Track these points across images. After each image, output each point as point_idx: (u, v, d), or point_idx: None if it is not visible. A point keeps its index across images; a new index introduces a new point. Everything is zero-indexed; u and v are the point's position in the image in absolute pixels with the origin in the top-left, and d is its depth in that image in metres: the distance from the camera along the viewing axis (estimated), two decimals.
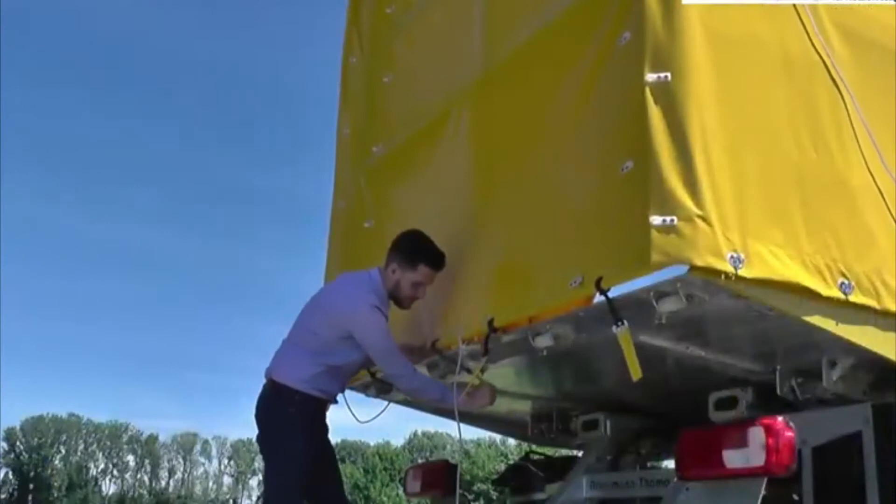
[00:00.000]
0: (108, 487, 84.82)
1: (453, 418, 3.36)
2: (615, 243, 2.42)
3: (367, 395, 3.98)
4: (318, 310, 3.64)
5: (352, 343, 3.53)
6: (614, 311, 2.42)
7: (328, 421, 3.77)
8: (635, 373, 2.45)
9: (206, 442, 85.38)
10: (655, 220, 2.24)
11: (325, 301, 3.65)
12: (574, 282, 2.53)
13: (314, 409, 3.59)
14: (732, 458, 2.57)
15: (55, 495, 78.29)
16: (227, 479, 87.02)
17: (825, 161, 2.58)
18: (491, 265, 3.11)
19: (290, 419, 3.52)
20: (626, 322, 2.42)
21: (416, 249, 3.55)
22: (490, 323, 2.94)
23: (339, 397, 3.79)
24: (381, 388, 3.90)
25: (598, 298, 2.54)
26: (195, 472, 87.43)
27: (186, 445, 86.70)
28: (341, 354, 3.56)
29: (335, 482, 3.82)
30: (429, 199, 3.68)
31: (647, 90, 2.34)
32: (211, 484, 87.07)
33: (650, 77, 2.34)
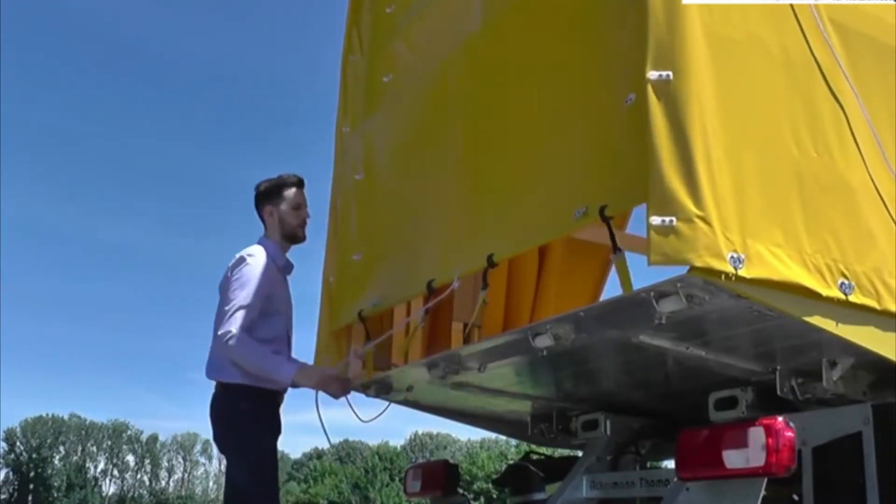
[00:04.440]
0: (108, 487, 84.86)
1: (447, 416, 3.38)
2: (618, 174, 2.47)
3: (368, 395, 3.97)
4: (220, 292, 3.64)
5: (264, 311, 3.55)
6: (614, 240, 2.48)
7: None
8: (627, 289, 2.51)
9: (206, 442, 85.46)
10: (654, 220, 2.24)
11: (221, 280, 3.66)
12: (578, 212, 2.56)
13: (266, 401, 3.58)
14: (732, 459, 2.57)
15: (55, 495, 78.30)
16: None
17: (825, 161, 2.57)
18: (490, 204, 3.12)
19: (245, 414, 3.52)
20: (623, 250, 2.51)
21: (272, 185, 3.78)
22: (490, 258, 2.94)
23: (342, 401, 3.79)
24: (382, 389, 3.91)
25: (601, 298, 2.55)
26: (195, 472, 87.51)
27: (186, 445, 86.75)
28: (262, 327, 3.54)
29: None
30: (423, 145, 3.68)
31: (649, 88, 2.33)
32: (211, 484, 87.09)
33: (652, 75, 2.34)
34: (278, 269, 3.72)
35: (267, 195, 3.79)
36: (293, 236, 3.79)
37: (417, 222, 3.57)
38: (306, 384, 3.58)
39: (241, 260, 3.59)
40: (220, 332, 3.46)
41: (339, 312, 4.02)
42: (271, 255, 3.70)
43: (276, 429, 3.65)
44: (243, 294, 3.50)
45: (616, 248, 2.49)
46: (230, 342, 3.44)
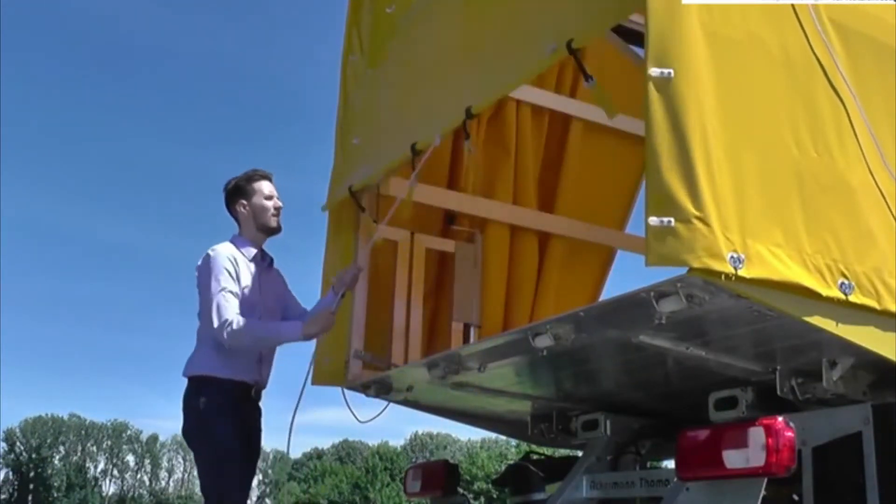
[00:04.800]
0: (108, 487, 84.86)
1: (447, 416, 3.38)
2: (586, 10, 2.65)
3: (367, 395, 3.98)
4: (198, 292, 3.65)
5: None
6: (583, 69, 2.63)
7: (260, 421, 3.72)
8: (610, 111, 2.69)
9: None
10: (653, 221, 2.24)
11: (196, 282, 3.68)
12: (549, 49, 2.70)
13: (232, 393, 3.54)
14: (732, 459, 2.57)
15: (55, 495, 78.31)
16: None
17: (825, 161, 2.57)
18: (466, 61, 3.28)
19: (208, 406, 3.49)
20: (594, 79, 2.66)
21: (240, 180, 3.78)
22: (468, 110, 3.04)
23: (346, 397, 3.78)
24: (381, 389, 3.91)
25: (601, 297, 2.55)
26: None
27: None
28: None
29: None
30: (413, 24, 3.86)
31: (650, 86, 2.33)
32: None
33: (654, 72, 2.33)
34: (248, 261, 3.72)
35: (237, 191, 3.79)
36: (268, 227, 3.78)
37: (405, 97, 3.69)
38: (317, 331, 3.58)
39: (206, 256, 3.63)
40: (216, 327, 3.46)
41: (335, 191, 4.13)
42: (240, 248, 3.72)
43: (242, 422, 3.59)
44: (219, 283, 3.52)
45: (588, 78, 2.64)
46: (230, 329, 3.44)
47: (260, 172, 3.82)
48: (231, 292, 3.53)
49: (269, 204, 3.78)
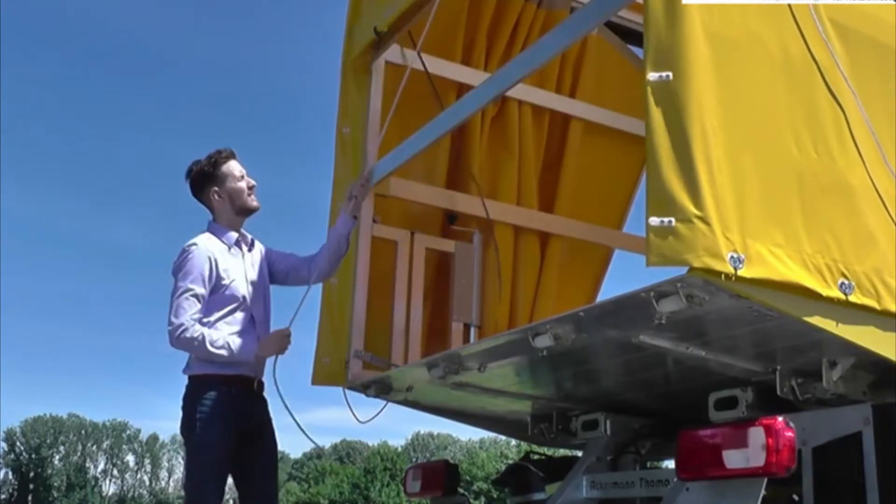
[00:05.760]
0: (108, 487, 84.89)
1: (447, 416, 3.37)
2: None
3: (367, 395, 3.98)
4: None
5: (215, 289, 3.49)
6: None
7: (268, 412, 3.66)
8: None
9: None
10: (653, 221, 2.25)
11: None
12: None
13: (231, 390, 3.47)
14: (732, 459, 2.56)
15: (55, 495, 78.35)
16: None
17: (826, 161, 2.57)
18: None
19: (204, 408, 3.42)
20: None
21: (206, 166, 3.64)
22: None
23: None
24: (381, 389, 3.91)
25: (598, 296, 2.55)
26: None
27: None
28: (214, 301, 3.48)
29: (266, 488, 3.62)
30: None
31: (649, 90, 2.33)
32: None
33: (652, 76, 2.34)
34: (229, 247, 3.62)
35: (206, 178, 3.65)
36: (246, 208, 3.67)
37: None
38: (269, 353, 3.51)
39: (181, 252, 3.52)
40: (169, 328, 3.39)
41: (353, 40, 4.21)
42: (220, 236, 3.62)
43: (247, 418, 3.52)
44: (185, 283, 3.43)
45: None
46: (182, 335, 3.37)
47: (224, 153, 3.67)
48: (195, 295, 3.43)
49: (243, 185, 3.65)
